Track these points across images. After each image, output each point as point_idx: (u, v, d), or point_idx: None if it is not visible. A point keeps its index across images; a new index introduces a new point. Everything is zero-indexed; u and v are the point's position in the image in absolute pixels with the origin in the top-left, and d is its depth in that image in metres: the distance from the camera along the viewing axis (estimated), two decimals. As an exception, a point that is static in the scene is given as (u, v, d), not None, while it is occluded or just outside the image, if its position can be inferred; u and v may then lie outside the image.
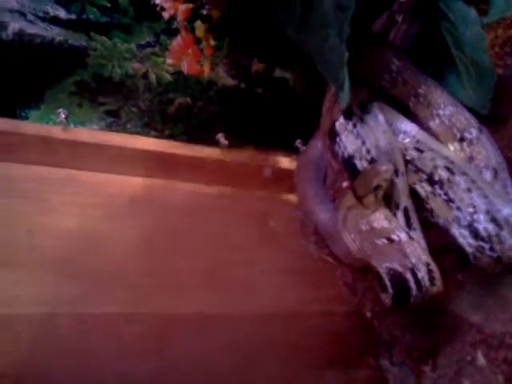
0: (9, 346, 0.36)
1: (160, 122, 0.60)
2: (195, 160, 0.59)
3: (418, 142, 0.49)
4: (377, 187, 0.45)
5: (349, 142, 0.49)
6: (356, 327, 0.48)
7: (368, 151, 0.48)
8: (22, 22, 0.52)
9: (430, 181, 0.47)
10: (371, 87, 0.52)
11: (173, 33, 0.57)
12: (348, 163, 0.49)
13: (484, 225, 0.44)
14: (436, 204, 0.47)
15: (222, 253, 0.50)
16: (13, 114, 0.54)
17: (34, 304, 0.39)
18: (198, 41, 0.56)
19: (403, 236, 0.44)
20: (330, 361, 0.46)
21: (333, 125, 0.51)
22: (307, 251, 0.55)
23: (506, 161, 0.48)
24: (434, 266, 0.43)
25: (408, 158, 0.49)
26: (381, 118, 0.49)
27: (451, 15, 0.51)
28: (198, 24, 0.55)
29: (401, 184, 0.47)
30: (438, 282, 0.42)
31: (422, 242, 0.45)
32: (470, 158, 0.49)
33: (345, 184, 0.51)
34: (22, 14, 0.51)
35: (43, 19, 0.52)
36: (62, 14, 0.52)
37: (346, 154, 0.49)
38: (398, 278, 0.43)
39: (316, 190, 0.57)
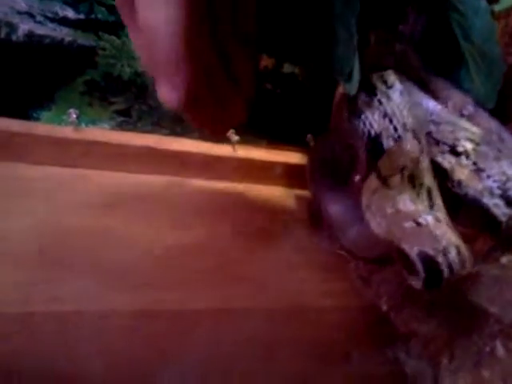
0: (23, 345, 0.36)
1: (171, 120, 0.60)
2: (207, 157, 0.59)
3: (432, 114, 0.48)
4: (403, 168, 0.43)
5: (375, 119, 0.47)
6: (372, 321, 0.47)
7: (395, 129, 0.46)
8: (32, 24, 0.52)
9: (454, 152, 0.46)
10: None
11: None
12: (375, 142, 0.47)
13: None
14: (464, 175, 0.45)
15: (234, 249, 0.50)
16: (25, 116, 0.55)
17: (46, 303, 0.39)
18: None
19: (430, 219, 0.43)
20: (347, 355, 0.46)
21: (354, 101, 0.49)
22: (320, 246, 0.54)
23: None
24: (463, 248, 0.41)
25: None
26: (405, 92, 0.47)
27: (461, 6, 0.50)
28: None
29: (425, 163, 0.45)
30: (468, 263, 0.41)
31: (449, 223, 0.44)
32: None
33: (357, 178, 0.50)
34: (31, 16, 0.52)
35: (52, 20, 0.52)
36: (70, 14, 0.53)
37: (372, 133, 0.47)
38: (429, 262, 0.41)
39: (327, 184, 0.57)
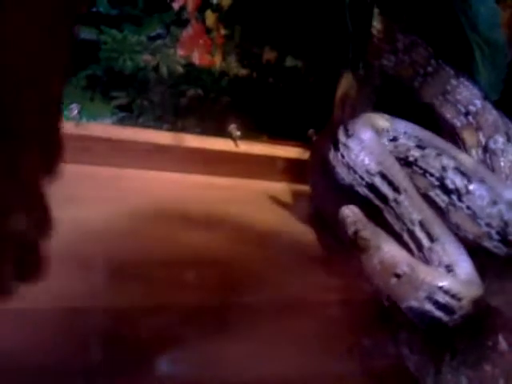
0: (29, 340, 0.36)
1: (172, 115, 0.60)
2: (208, 152, 0.59)
3: (420, 140, 0.47)
4: (355, 233, 0.42)
5: (344, 173, 0.47)
6: (374, 315, 0.48)
7: (362, 178, 0.46)
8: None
9: (444, 188, 0.45)
10: (371, 66, 0.52)
11: (183, 24, 0.57)
12: (351, 192, 0.47)
13: None
14: (460, 219, 0.45)
15: (237, 244, 0.50)
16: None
17: (58, 298, 0.39)
18: (208, 31, 0.56)
19: (406, 269, 0.40)
20: (350, 349, 0.46)
21: (327, 156, 0.49)
22: (322, 241, 0.54)
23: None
24: (450, 283, 0.40)
25: (411, 159, 0.47)
26: (367, 135, 0.46)
27: (465, -6, 0.50)
28: (209, 13, 0.55)
29: (407, 200, 0.44)
30: (464, 293, 0.39)
31: (449, 251, 0.43)
32: (478, 129, 0.48)
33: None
34: (33, 10, 0.52)
35: (54, 14, 0.52)
36: (72, 8, 0.52)
37: (346, 185, 0.47)
38: (420, 314, 0.40)
39: (327, 180, 0.56)
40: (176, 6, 0.54)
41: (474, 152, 0.50)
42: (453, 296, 0.39)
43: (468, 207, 0.44)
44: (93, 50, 0.55)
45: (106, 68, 0.56)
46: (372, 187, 0.45)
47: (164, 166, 0.56)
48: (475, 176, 0.44)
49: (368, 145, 0.45)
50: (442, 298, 0.39)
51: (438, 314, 0.39)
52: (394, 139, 0.47)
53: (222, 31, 0.57)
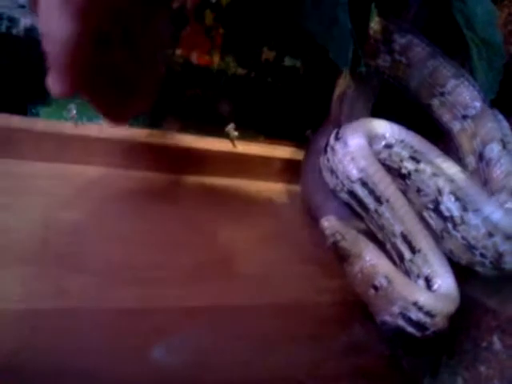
0: (24, 341, 0.36)
1: (170, 115, 0.60)
2: (206, 152, 0.59)
3: (415, 151, 0.45)
4: (334, 244, 0.42)
5: (328, 177, 0.46)
6: (368, 316, 0.48)
7: (342, 184, 0.44)
8: (33, 18, 0.52)
9: (439, 213, 0.44)
10: (367, 66, 0.51)
11: (182, 23, 0.57)
12: (335, 197, 0.46)
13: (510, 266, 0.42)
14: (454, 246, 0.43)
15: (234, 244, 0.51)
16: (24, 111, 0.55)
17: (49, 299, 0.39)
18: (207, 30, 0.56)
19: (383, 281, 0.40)
20: (344, 350, 0.46)
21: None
22: (317, 241, 0.55)
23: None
24: (425, 300, 0.38)
25: (404, 171, 0.45)
26: (353, 140, 0.44)
27: (462, -6, 0.50)
28: (207, 13, 0.55)
29: (388, 211, 0.43)
30: (439, 310, 0.38)
31: (433, 262, 0.42)
32: (474, 135, 0.47)
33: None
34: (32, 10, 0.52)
35: (52, 14, 0.52)
36: (70, 8, 0.52)
37: (330, 189, 0.46)
38: (393, 329, 0.40)
39: (320, 180, 0.56)
40: (174, 5, 0.54)
41: (469, 159, 0.49)
42: (426, 313, 0.38)
43: (463, 237, 0.42)
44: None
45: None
46: (353, 194, 0.44)
47: (161, 167, 0.56)
48: (471, 204, 0.42)
49: (352, 150, 0.43)
50: (414, 315, 0.38)
51: (410, 329, 0.39)
52: (389, 146, 0.45)
53: (221, 31, 0.57)
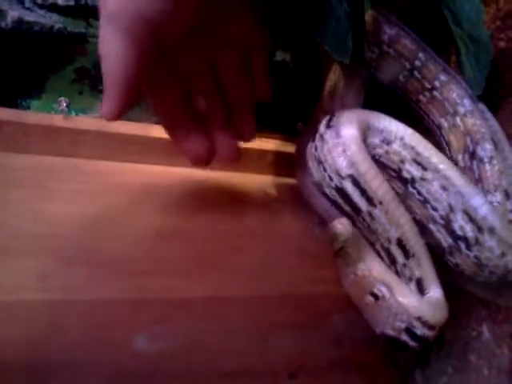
0: (16, 333, 0.36)
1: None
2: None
3: (417, 154, 0.41)
4: (341, 249, 0.38)
5: (314, 168, 0.41)
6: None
7: (330, 178, 0.39)
8: (21, 10, 0.51)
9: (450, 230, 0.40)
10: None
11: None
12: (319, 191, 0.42)
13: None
14: (463, 262, 0.41)
15: (229, 237, 0.51)
16: (14, 104, 0.54)
17: (39, 291, 0.39)
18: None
19: (385, 290, 0.38)
20: (339, 341, 0.47)
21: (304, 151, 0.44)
22: (312, 233, 0.55)
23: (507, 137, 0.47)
24: (427, 314, 0.37)
25: (406, 175, 0.41)
26: (347, 131, 0.39)
27: (450, -12, 0.50)
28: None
29: (383, 215, 0.39)
30: (438, 321, 0.38)
31: (425, 268, 0.40)
32: (465, 132, 0.46)
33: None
34: (20, 2, 0.51)
35: (41, 6, 0.52)
36: (60, 0, 0.52)
37: (315, 182, 0.42)
38: (395, 342, 0.38)
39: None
40: None
41: (459, 157, 0.47)
42: (429, 327, 0.37)
43: (476, 257, 0.39)
44: (81, 43, 0.54)
45: (94, 61, 0.55)
46: (341, 192, 0.39)
47: (154, 160, 0.56)
48: (485, 222, 0.39)
49: (344, 141, 0.39)
50: (420, 331, 0.37)
51: (413, 344, 0.38)
52: (387, 142, 0.42)
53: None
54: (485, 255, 0.39)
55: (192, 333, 0.41)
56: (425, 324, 0.37)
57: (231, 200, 0.56)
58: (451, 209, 0.40)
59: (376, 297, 0.38)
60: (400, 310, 0.37)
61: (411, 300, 0.38)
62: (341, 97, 0.54)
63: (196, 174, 0.57)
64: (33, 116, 0.53)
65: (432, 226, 0.41)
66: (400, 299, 0.37)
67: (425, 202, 0.41)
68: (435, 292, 0.40)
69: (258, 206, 0.57)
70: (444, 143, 0.49)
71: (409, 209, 0.41)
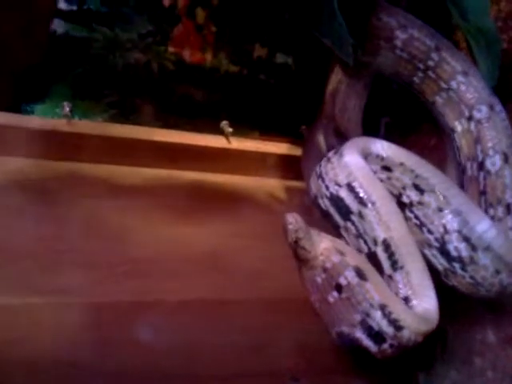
0: (23, 335, 0.36)
1: (164, 112, 0.60)
2: (200, 149, 0.59)
3: (417, 176, 0.42)
4: (296, 242, 0.37)
5: (313, 183, 0.43)
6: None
7: (327, 188, 0.41)
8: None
9: (445, 253, 0.40)
10: (363, 63, 0.50)
11: (174, 21, 0.57)
12: (313, 204, 0.43)
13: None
14: (459, 283, 0.41)
15: (228, 239, 0.51)
16: (18, 109, 0.55)
17: (42, 294, 0.39)
18: (199, 28, 0.57)
19: (351, 276, 0.36)
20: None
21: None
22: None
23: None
24: (395, 306, 0.36)
25: (405, 200, 0.42)
26: (350, 156, 0.41)
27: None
28: (199, 10, 0.55)
29: (372, 215, 0.39)
30: (407, 322, 0.35)
31: (414, 277, 0.39)
32: (477, 139, 0.45)
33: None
34: (23, 7, 0.52)
35: (45, 12, 0.52)
36: (63, 5, 0.52)
37: (312, 196, 0.43)
38: (349, 341, 0.36)
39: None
40: (166, 3, 0.54)
41: (468, 165, 0.46)
42: (392, 321, 0.35)
43: (471, 277, 0.40)
44: (84, 48, 0.55)
45: (97, 66, 0.56)
46: (335, 199, 0.41)
47: (155, 164, 0.56)
48: (480, 243, 0.39)
49: (347, 160, 0.41)
50: (376, 324, 0.35)
51: (368, 343, 0.36)
52: (388, 169, 0.43)
53: (213, 28, 0.57)
54: (480, 274, 0.39)
55: (193, 334, 0.41)
56: (388, 316, 0.35)
57: (233, 203, 0.56)
58: (446, 230, 0.40)
59: (340, 288, 0.36)
60: (365, 295, 0.35)
61: (380, 286, 0.37)
62: (343, 99, 0.54)
63: (200, 177, 0.57)
64: (36, 121, 0.53)
65: (427, 252, 0.41)
66: (369, 284, 0.36)
67: (421, 225, 0.41)
68: (424, 303, 0.38)
69: (260, 209, 0.57)
70: (455, 147, 0.48)
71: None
